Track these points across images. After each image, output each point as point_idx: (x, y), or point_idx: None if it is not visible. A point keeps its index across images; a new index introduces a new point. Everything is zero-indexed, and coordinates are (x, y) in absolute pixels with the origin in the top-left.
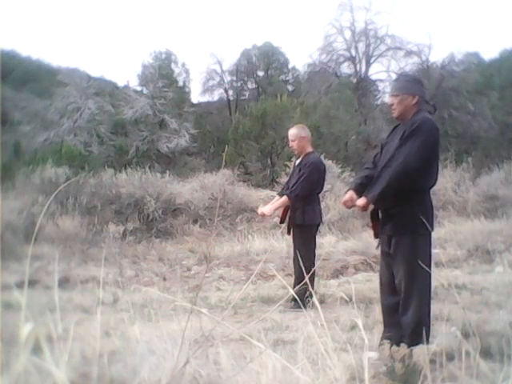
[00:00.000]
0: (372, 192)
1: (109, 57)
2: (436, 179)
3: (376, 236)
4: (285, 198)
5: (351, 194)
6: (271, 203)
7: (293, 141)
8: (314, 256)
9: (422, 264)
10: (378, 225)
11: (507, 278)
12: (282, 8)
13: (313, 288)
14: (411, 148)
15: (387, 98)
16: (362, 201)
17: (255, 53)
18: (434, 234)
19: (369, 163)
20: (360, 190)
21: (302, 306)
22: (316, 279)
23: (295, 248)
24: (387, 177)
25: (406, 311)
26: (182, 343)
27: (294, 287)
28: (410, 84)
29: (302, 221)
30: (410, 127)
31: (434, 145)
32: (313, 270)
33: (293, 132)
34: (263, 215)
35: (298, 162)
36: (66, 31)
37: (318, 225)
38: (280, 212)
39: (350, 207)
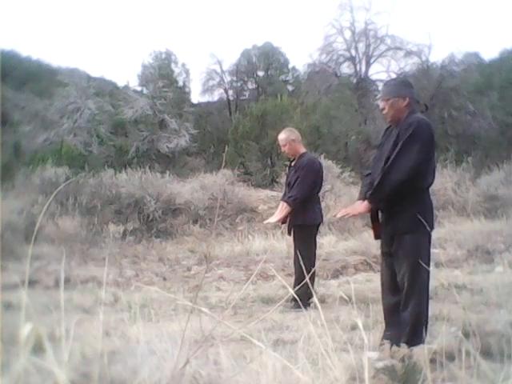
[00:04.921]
0: (375, 199)
1: (109, 57)
2: (434, 177)
3: (376, 237)
4: (286, 204)
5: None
6: (279, 209)
7: (284, 145)
8: (315, 256)
9: (422, 262)
10: (379, 226)
11: (507, 278)
12: (282, 8)
13: (313, 288)
14: (410, 154)
15: (379, 104)
16: (363, 208)
17: (255, 53)
18: (434, 234)
19: (370, 168)
20: None
21: (301, 306)
22: (316, 279)
23: (295, 248)
24: (389, 185)
25: (406, 309)
26: (182, 343)
27: (294, 287)
28: (398, 87)
29: (303, 221)
30: (405, 130)
31: (430, 146)
32: (313, 270)
33: (282, 137)
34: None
35: (293, 163)
36: (65, 31)
37: (319, 224)
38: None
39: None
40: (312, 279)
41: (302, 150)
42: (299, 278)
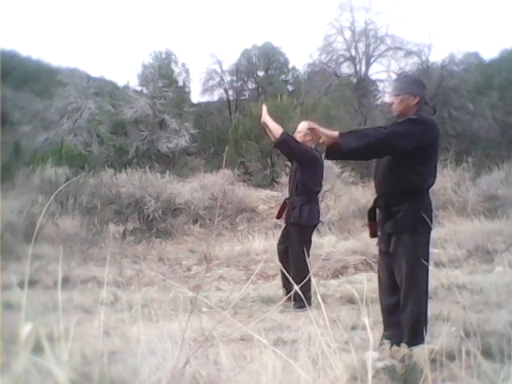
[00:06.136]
0: (348, 141)
1: (109, 57)
2: (435, 178)
3: (372, 235)
4: (281, 132)
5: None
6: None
7: (299, 132)
8: (307, 256)
9: (421, 262)
10: (375, 224)
11: (507, 278)
12: (282, 8)
13: (309, 288)
14: (405, 130)
15: (388, 97)
16: (328, 133)
17: (255, 53)
18: (434, 234)
19: (375, 167)
20: None
21: (306, 304)
22: (316, 279)
23: (288, 247)
24: (368, 140)
25: (405, 309)
26: (182, 343)
27: (291, 287)
28: (411, 84)
29: (298, 220)
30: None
31: (430, 141)
32: (312, 271)
33: (303, 125)
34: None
35: None
36: (65, 31)
37: (315, 225)
38: (277, 209)
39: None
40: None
41: (311, 146)
42: (294, 277)
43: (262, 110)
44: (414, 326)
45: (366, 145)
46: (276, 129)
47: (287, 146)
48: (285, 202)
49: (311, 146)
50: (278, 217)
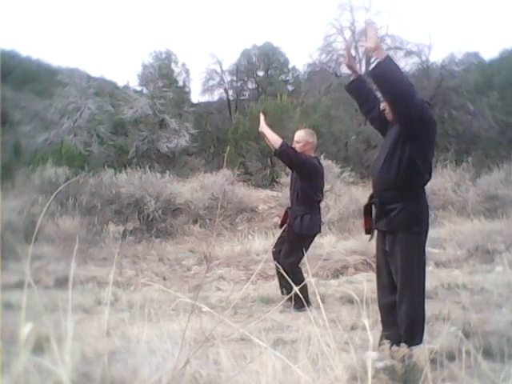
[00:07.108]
0: (388, 66)
1: (109, 57)
2: (430, 175)
3: (367, 232)
4: (280, 143)
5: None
6: (273, 137)
7: (298, 142)
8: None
9: (415, 262)
10: (370, 220)
11: (507, 278)
12: (282, 8)
13: (306, 291)
14: (421, 102)
15: (381, 104)
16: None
17: (255, 53)
18: (434, 234)
19: (372, 166)
20: None
21: (304, 304)
22: (315, 279)
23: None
24: (401, 86)
25: (400, 308)
26: (182, 343)
27: (288, 289)
28: None
29: (299, 229)
30: None
31: (429, 131)
32: (311, 272)
33: (301, 134)
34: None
35: None
36: (65, 31)
37: (315, 234)
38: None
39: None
40: (301, 281)
41: (311, 154)
42: (292, 279)
43: (259, 117)
44: (410, 326)
45: (398, 81)
46: (274, 139)
47: (287, 156)
48: (286, 212)
49: (310, 155)
50: (282, 226)
